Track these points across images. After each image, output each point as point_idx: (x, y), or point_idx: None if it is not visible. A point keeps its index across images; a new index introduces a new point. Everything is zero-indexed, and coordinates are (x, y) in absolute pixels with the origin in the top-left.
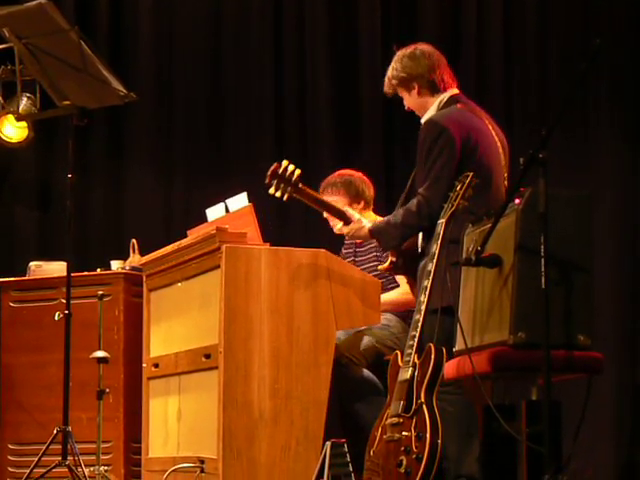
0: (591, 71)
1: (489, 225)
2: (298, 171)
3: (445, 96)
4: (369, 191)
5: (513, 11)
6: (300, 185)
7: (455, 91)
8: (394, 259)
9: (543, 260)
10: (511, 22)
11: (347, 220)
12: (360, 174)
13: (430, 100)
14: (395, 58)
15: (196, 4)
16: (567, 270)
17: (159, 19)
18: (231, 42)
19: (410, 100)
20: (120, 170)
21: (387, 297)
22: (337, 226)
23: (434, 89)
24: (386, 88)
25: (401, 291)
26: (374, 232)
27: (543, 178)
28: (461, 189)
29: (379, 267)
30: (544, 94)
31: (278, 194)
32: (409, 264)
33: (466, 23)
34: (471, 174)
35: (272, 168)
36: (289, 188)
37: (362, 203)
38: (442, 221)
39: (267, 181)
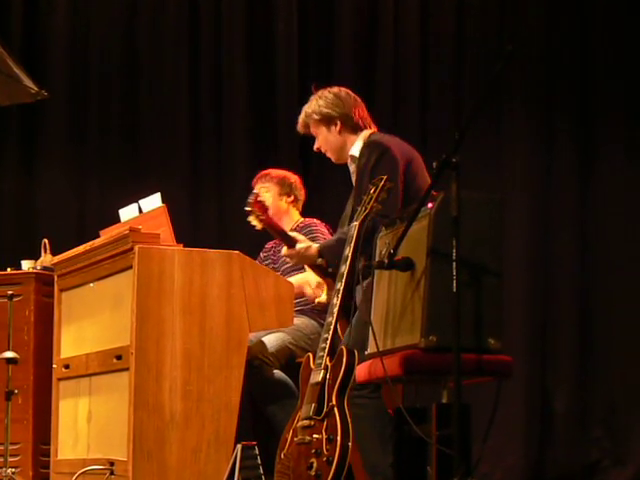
0: (503, 75)
1: (402, 228)
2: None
3: (366, 133)
4: (300, 192)
5: (430, 14)
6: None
7: (371, 130)
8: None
9: (455, 264)
10: (427, 26)
11: (293, 244)
12: (296, 177)
13: (350, 138)
14: (317, 95)
15: (112, 3)
16: (478, 274)
17: (74, 17)
18: (146, 41)
19: (329, 137)
20: (32, 168)
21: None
22: (283, 250)
23: (356, 128)
24: (301, 124)
25: (299, 277)
26: (323, 251)
27: (455, 182)
28: (375, 192)
29: (317, 300)
30: (458, 99)
31: (255, 222)
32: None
33: (383, 31)
34: (385, 177)
35: (253, 197)
36: (264, 217)
37: (292, 197)
38: (355, 224)
39: (249, 209)
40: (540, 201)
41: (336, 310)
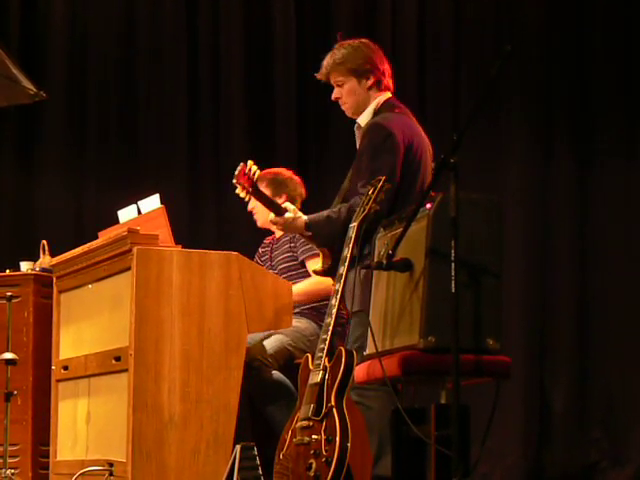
0: (501, 76)
1: (400, 229)
2: (258, 172)
3: (381, 99)
4: (297, 189)
5: (427, 17)
6: (257, 184)
7: (389, 94)
8: (329, 262)
9: (453, 264)
10: (424, 28)
11: (282, 213)
12: (291, 173)
13: (373, 96)
14: (348, 44)
15: (110, 5)
16: (477, 274)
17: (72, 18)
18: (144, 42)
19: (357, 89)
20: (30, 170)
21: (298, 288)
22: (270, 216)
23: (381, 87)
24: (324, 72)
25: (313, 281)
26: (311, 225)
27: (454, 183)
28: (373, 193)
29: (314, 268)
30: (456, 99)
31: (242, 194)
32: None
33: (381, 30)
34: (383, 178)
35: (240, 169)
36: (251, 189)
37: (284, 197)
38: (354, 225)
39: (235, 181)
40: (538, 202)
41: (334, 311)
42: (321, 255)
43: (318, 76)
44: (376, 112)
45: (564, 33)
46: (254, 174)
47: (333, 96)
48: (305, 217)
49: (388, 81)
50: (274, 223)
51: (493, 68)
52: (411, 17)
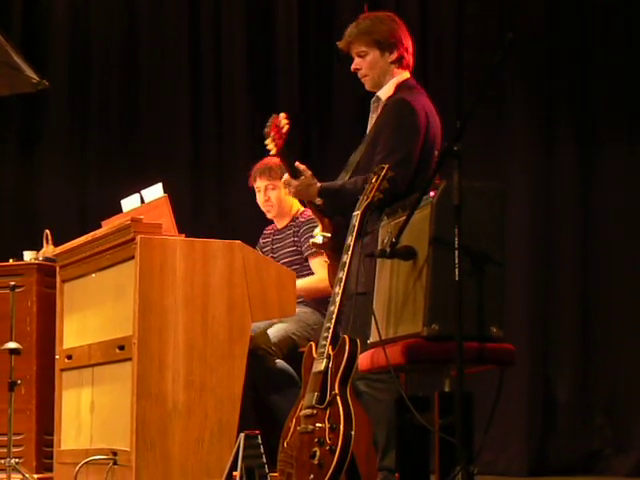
0: (504, 64)
1: (404, 217)
2: (287, 127)
3: (402, 76)
4: None
5: (429, 7)
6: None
7: (408, 74)
8: (329, 235)
9: (457, 252)
10: (427, 16)
11: (298, 176)
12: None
13: (395, 72)
14: (375, 16)
15: None
16: (480, 262)
17: (73, 11)
18: (147, 30)
19: (379, 62)
20: (33, 159)
21: (299, 283)
22: (284, 176)
23: (402, 64)
24: (347, 41)
25: (316, 278)
26: (324, 192)
27: (458, 171)
28: (376, 181)
29: (311, 240)
30: (459, 86)
31: (271, 146)
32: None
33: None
34: (386, 166)
35: (272, 120)
36: (279, 142)
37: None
38: (357, 213)
39: (266, 131)
40: (541, 190)
41: (338, 299)
42: (320, 226)
43: (339, 44)
44: (398, 88)
45: (566, 32)
46: (283, 128)
47: (353, 67)
48: (319, 184)
49: (409, 59)
50: (287, 185)
51: (496, 56)
52: (414, 10)
